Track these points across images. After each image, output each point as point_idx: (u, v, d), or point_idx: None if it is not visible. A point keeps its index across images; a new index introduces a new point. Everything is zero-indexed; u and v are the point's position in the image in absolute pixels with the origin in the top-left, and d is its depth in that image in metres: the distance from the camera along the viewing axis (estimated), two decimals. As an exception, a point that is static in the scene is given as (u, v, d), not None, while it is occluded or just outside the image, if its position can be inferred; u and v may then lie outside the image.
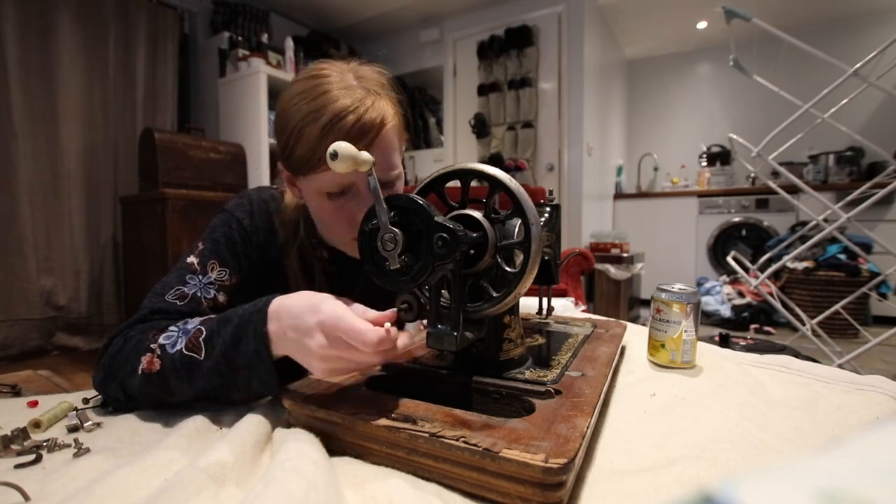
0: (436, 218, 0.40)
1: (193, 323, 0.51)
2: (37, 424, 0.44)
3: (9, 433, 0.40)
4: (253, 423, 0.41)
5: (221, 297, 0.62)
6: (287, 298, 0.47)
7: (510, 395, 0.43)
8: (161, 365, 0.49)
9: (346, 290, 0.63)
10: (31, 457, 0.38)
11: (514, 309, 0.49)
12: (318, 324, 0.42)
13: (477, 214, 0.45)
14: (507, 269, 0.44)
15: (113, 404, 0.52)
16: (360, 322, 0.41)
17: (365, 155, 0.41)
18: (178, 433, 0.40)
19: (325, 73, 0.62)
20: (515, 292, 0.43)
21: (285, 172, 0.67)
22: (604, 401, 0.47)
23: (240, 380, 0.47)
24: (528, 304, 0.85)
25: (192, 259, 0.63)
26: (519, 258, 0.46)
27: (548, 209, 0.62)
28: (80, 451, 0.39)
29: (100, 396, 0.53)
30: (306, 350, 0.43)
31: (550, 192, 0.68)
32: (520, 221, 0.46)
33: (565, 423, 0.36)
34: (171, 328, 0.51)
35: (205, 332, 0.49)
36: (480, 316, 0.45)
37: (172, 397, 0.49)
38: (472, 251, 0.44)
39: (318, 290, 0.49)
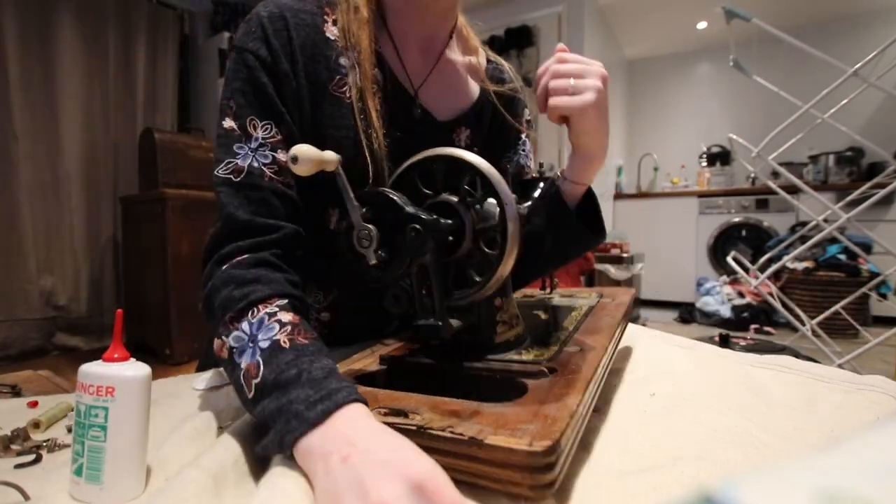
0: (407, 209, 0.40)
1: (259, 345, 0.41)
2: (36, 425, 0.44)
3: (9, 433, 0.40)
4: (251, 424, 0.41)
5: (282, 156, 0.52)
6: (365, 431, 0.33)
7: (503, 379, 0.43)
8: (226, 357, 0.43)
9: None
10: (31, 457, 0.38)
11: (506, 290, 0.48)
12: (406, 478, 0.29)
13: (453, 200, 0.45)
14: (488, 251, 0.44)
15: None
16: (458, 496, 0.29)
17: (329, 154, 0.40)
18: (180, 433, 0.40)
19: None
20: (497, 275, 0.43)
21: None
22: (606, 379, 0.46)
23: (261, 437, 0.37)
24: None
25: (228, 122, 0.52)
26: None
27: (540, 184, 0.61)
28: (81, 451, 0.39)
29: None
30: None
31: (541, 165, 0.68)
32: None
33: (556, 402, 0.36)
34: (244, 327, 0.42)
35: (258, 379, 0.39)
36: (467, 302, 0.45)
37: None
38: (450, 238, 0.43)
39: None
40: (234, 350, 0.42)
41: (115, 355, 0.34)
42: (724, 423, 0.43)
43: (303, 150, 0.38)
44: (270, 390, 0.38)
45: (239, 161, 0.50)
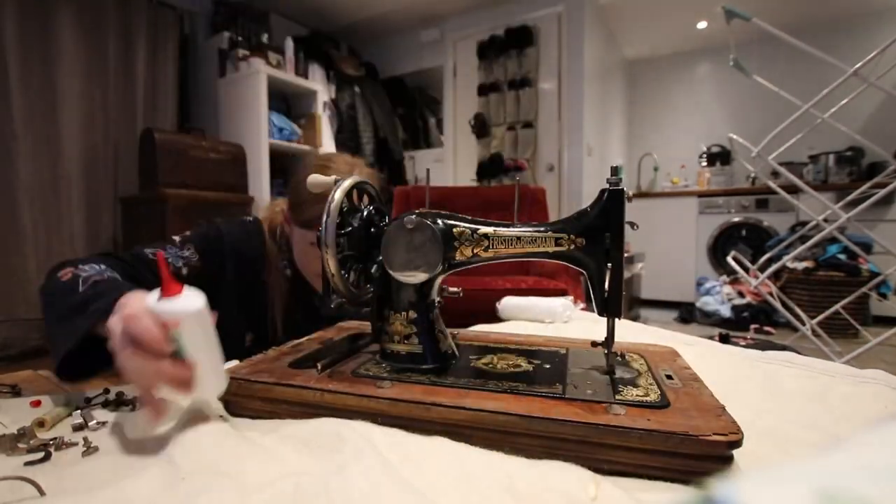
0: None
1: (185, 258, 0.73)
2: (41, 423, 0.45)
3: (15, 432, 0.41)
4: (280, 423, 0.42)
5: (185, 272, 0.75)
6: (135, 295, 0.46)
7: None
8: (68, 279, 0.57)
9: (293, 305, 0.87)
10: (41, 454, 0.39)
11: (394, 306, 0.54)
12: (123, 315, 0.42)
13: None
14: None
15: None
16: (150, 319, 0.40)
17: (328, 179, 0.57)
18: (185, 431, 0.41)
19: (337, 161, 0.83)
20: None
21: (288, 214, 0.86)
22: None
23: (67, 324, 0.52)
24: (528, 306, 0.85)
25: (175, 237, 0.79)
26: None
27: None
28: (89, 449, 0.40)
29: (101, 396, 0.54)
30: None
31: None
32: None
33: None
34: (104, 266, 0.63)
35: (103, 280, 0.58)
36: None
37: (46, 304, 0.57)
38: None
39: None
40: (85, 268, 0.59)
41: (172, 292, 0.41)
42: (748, 417, 0.44)
43: (313, 180, 0.57)
44: (107, 284, 0.56)
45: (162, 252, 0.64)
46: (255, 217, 0.92)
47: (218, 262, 0.81)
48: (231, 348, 0.73)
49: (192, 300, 0.42)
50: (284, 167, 3.32)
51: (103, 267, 0.63)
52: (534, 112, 3.36)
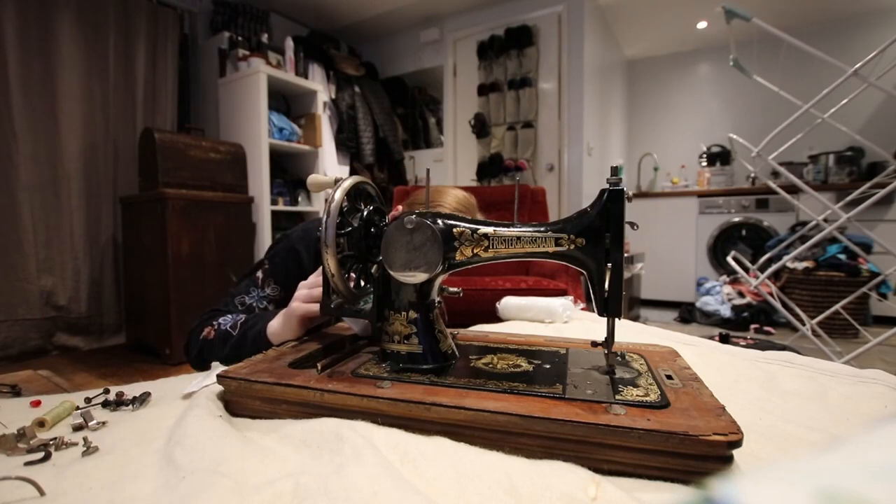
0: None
1: (266, 298, 0.88)
2: (41, 423, 0.45)
3: (15, 432, 0.41)
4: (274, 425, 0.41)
5: (271, 307, 0.88)
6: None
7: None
8: (213, 335, 0.79)
9: None
10: (41, 454, 0.39)
11: (394, 307, 0.54)
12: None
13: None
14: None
15: (196, 361, 0.81)
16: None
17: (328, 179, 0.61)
18: (186, 430, 0.41)
19: (453, 195, 0.93)
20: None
21: (400, 208, 0.94)
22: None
23: (245, 347, 0.73)
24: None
25: (259, 274, 0.90)
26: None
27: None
28: (89, 449, 0.40)
29: (102, 396, 0.54)
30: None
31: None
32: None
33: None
34: (230, 316, 0.82)
35: (241, 321, 0.79)
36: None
37: (214, 355, 0.75)
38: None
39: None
40: (221, 323, 0.80)
41: None
42: (749, 418, 0.44)
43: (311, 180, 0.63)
44: (250, 322, 0.78)
45: (247, 299, 0.88)
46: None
47: (299, 272, 0.89)
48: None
49: None
50: (284, 167, 3.32)
51: (231, 317, 0.82)
52: (534, 112, 3.36)
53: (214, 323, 0.81)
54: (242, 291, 0.89)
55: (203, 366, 0.77)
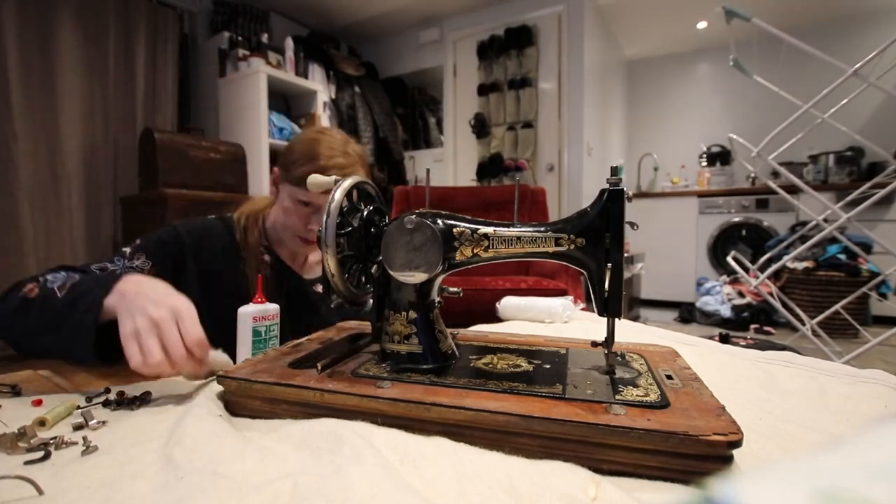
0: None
1: (134, 269, 0.72)
2: (42, 423, 0.45)
3: (15, 431, 0.41)
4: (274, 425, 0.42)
5: None
6: (145, 281, 0.58)
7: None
8: (37, 294, 0.60)
9: (276, 291, 0.85)
10: (41, 454, 0.39)
11: (395, 306, 0.54)
12: (170, 307, 0.53)
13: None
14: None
15: None
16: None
17: (329, 179, 0.58)
18: (185, 429, 0.41)
19: (333, 134, 0.90)
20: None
21: (278, 174, 0.90)
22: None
23: (64, 329, 0.56)
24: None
25: (126, 248, 0.80)
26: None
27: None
28: (89, 448, 0.40)
29: (102, 395, 0.54)
30: (136, 308, 0.52)
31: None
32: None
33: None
34: (63, 273, 0.64)
35: (75, 281, 0.60)
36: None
37: (21, 324, 0.60)
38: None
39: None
40: (49, 279, 0.61)
41: (260, 300, 0.66)
42: (749, 418, 0.44)
43: (312, 180, 0.60)
44: (86, 282, 0.59)
45: (109, 265, 0.75)
46: (220, 215, 0.94)
47: (175, 263, 0.84)
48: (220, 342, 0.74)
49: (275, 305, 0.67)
50: (284, 167, 3.32)
51: (64, 274, 0.65)
52: (534, 112, 3.36)
53: (41, 278, 0.63)
54: (102, 261, 0.76)
55: (7, 333, 0.63)
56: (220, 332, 0.66)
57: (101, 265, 0.74)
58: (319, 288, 0.96)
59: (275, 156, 3.00)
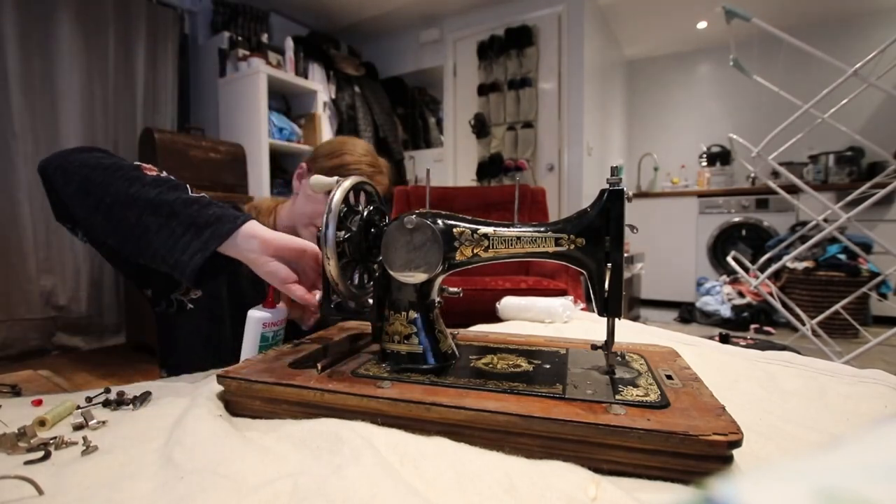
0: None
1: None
2: (42, 422, 0.45)
3: (15, 431, 0.41)
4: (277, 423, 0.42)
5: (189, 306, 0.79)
6: (267, 231, 0.60)
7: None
8: (141, 170, 0.61)
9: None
10: (41, 454, 0.39)
11: (394, 307, 0.54)
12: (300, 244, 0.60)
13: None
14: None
15: (54, 159, 0.63)
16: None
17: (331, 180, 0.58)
18: (185, 430, 0.41)
19: (360, 141, 0.96)
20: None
21: (304, 168, 0.93)
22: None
23: (187, 231, 0.57)
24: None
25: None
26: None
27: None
28: (89, 448, 0.40)
29: (102, 395, 0.54)
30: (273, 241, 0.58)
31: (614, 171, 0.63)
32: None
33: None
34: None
35: (200, 195, 0.62)
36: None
37: (109, 184, 0.59)
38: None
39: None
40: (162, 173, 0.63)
41: (274, 303, 0.64)
42: (749, 418, 0.44)
43: (314, 181, 0.61)
44: (192, 201, 0.59)
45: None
46: (234, 204, 0.94)
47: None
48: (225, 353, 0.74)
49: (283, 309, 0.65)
50: (284, 167, 3.32)
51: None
52: (534, 112, 3.36)
53: (138, 163, 0.63)
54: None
55: (72, 179, 0.61)
56: (235, 323, 0.71)
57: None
58: None
59: (274, 156, 3.00)
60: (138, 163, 0.64)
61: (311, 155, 0.95)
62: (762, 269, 1.95)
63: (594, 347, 0.51)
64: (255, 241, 0.57)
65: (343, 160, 0.87)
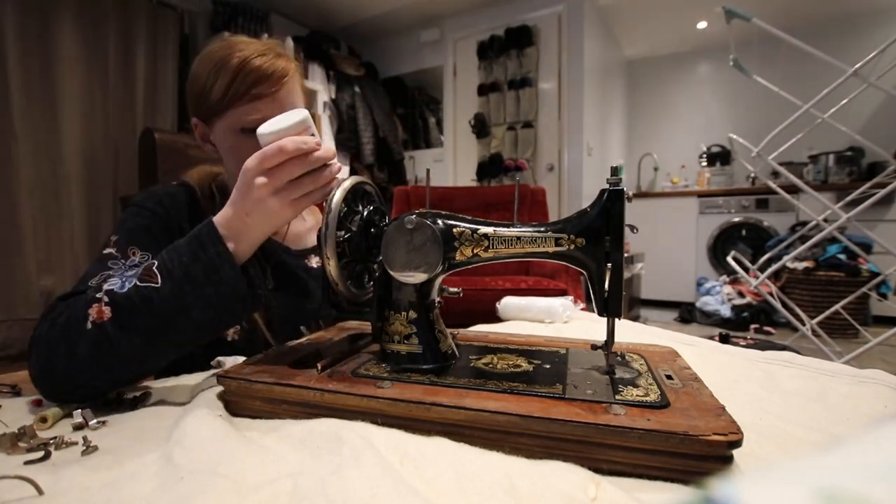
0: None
1: (137, 266, 0.54)
2: (43, 419, 0.45)
3: (15, 431, 0.41)
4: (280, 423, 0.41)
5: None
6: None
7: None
8: (112, 310, 0.48)
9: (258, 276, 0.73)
10: (41, 454, 0.39)
11: (395, 307, 0.53)
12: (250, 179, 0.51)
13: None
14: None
15: (69, 390, 0.49)
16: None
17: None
18: (186, 430, 0.41)
19: (235, 37, 0.73)
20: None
21: (199, 127, 0.74)
22: None
23: (206, 290, 0.50)
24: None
25: (108, 250, 0.62)
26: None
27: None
28: (88, 448, 0.40)
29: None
30: (257, 200, 0.51)
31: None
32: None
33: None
34: (112, 279, 0.52)
35: (157, 263, 0.51)
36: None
37: (127, 347, 0.48)
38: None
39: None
40: (115, 288, 0.50)
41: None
42: (749, 418, 0.44)
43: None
44: (169, 256, 0.51)
45: (112, 273, 0.57)
46: (179, 181, 0.78)
47: (165, 230, 0.69)
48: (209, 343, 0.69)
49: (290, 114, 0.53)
50: (284, 167, 3.32)
51: (118, 278, 0.54)
52: (534, 112, 3.36)
53: (98, 295, 0.50)
54: (97, 271, 0.58)
55: (102, 379, 0.50)
56: None
57: (104, 276, 0.57)
58: (313, 262, 0.83)
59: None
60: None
61: (191, 101, 0.75)
62: (762, 269, 1.95)
63: (594, 347, 0.51)
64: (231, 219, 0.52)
65: (220, 84, 0.67)
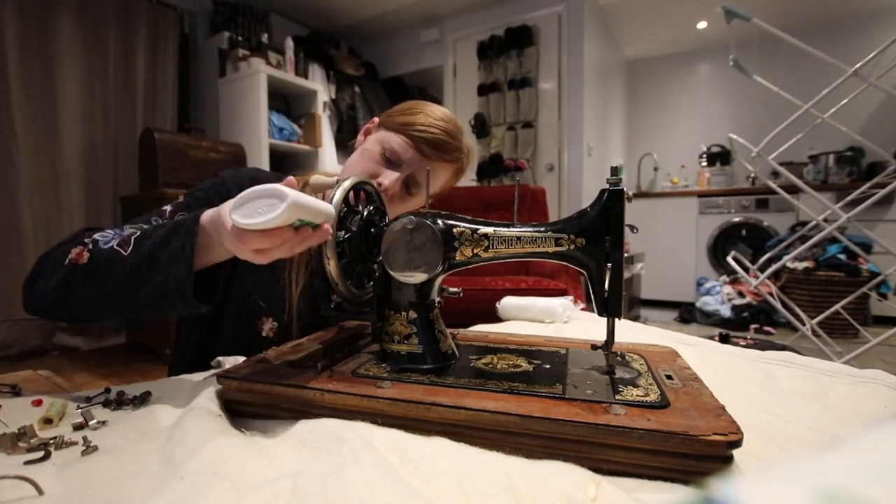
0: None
1: (132, 229, 0.57)
2: (48, 420, 0.45)
3: (16, 431, 0.41)
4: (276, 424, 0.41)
5: None
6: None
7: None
8: (88, 258, 0.53)
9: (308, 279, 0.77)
10: (41, 454, 0.39)
11: (394, 307, 0.53)
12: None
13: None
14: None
15: (37, 307, 0.56)
16: None
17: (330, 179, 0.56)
18: (186, 431, 0.41)
19: (441, 110, 0.81)
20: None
21: (373, 123, 0.82)
22: None
23: (158, 277, 0.51)
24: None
25: (166, 207, 0.69)
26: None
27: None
28: (88, 448, 0.40)
29: (102, 395, 0.54)
30: (237, 248, 0.48)
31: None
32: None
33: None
34: (109, 231, 0.57)
35: (138, 233, 0.54)
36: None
37: (83, 294, 0.53)
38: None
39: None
40: (100, 240, 0.54)
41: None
42: (748, 417, 0.44)
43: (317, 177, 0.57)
44: (152, 232, 0.52)
45: (145, 225, 0.61)
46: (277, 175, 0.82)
47: None
48: (244, 337, 0.71)
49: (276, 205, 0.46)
50: (284, 167, 3.32)
51: (112, 232, 0.57)
52: (534, 112, 3.36)
53: (87, 241, 0.55)
54: (139, 220, 0.65)
55: (60, 310, 0.56)
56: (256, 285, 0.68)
57: (138, 224, 0.63)
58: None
59: (274, 156, 3.00)
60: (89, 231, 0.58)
61: (385, 113, 0.82)
62: (762, 269, 1.95)
63: (594, 347, 0.51)
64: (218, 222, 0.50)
65: (415, 119, 0.75)
